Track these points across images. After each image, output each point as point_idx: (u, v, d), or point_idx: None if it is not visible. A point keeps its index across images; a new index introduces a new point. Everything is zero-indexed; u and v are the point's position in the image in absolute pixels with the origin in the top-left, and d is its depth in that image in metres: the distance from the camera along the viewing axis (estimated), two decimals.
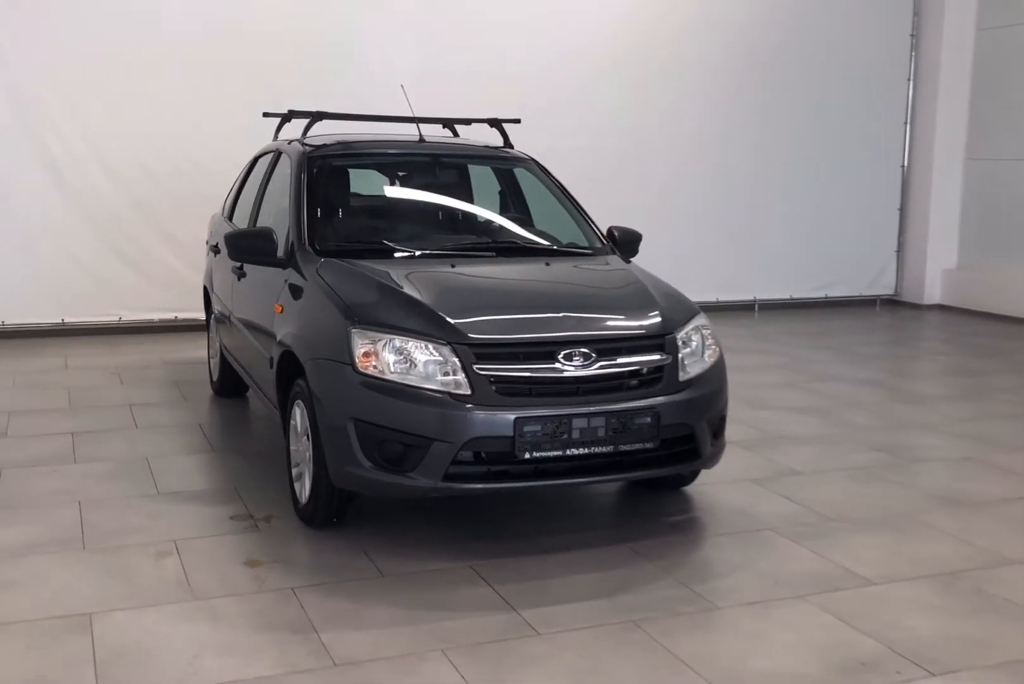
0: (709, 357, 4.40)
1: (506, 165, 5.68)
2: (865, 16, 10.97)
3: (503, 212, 5.58)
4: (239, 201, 6.32)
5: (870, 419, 6.43)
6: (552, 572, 3.97)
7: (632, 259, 5.34)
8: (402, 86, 5.71)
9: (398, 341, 3.94)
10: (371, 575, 3.93)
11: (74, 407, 6.38)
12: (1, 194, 8.30)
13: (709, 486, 5.00)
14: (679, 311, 4.44)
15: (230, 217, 6.36)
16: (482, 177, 5.69)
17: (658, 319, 4.28)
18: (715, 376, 4.36)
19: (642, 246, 10.86)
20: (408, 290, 4.25)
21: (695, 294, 10.65)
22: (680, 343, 4.24)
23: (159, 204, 8.61)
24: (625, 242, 5.29)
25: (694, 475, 4.83)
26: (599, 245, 5.23)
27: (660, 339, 4.20)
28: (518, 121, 5.93)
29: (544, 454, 3.89)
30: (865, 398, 7.03)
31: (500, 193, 5.67)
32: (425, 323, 4.01)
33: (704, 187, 10.57)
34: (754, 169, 10.75)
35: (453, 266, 4.60)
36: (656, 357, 4.14)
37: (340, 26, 9.01)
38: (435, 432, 3.82)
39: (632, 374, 4.11)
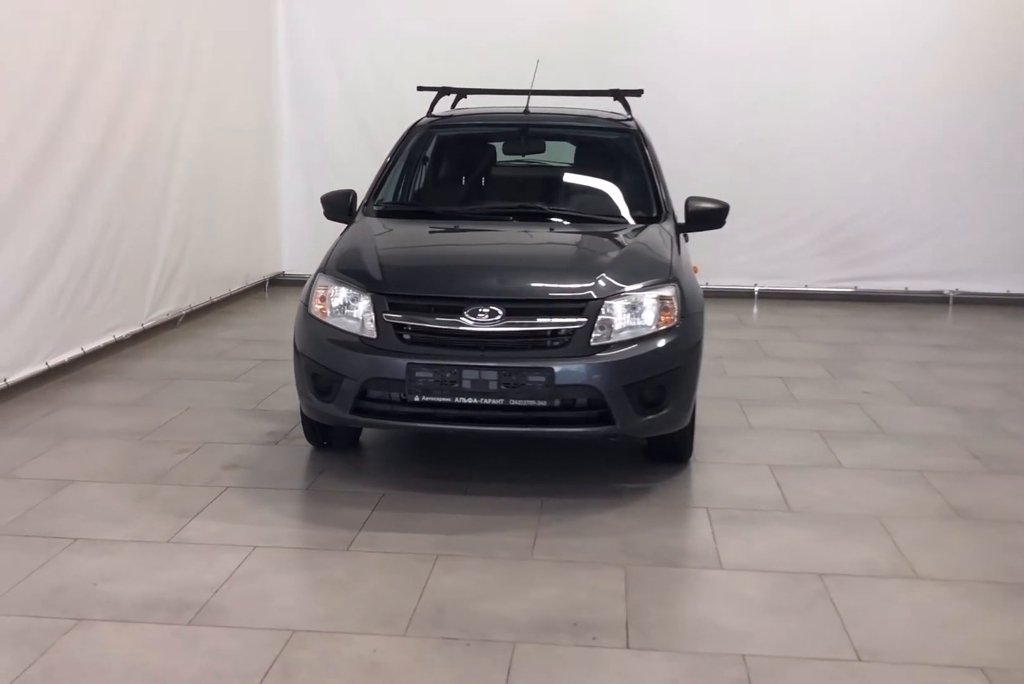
0: (660, 326, 4.37)
1: (601, 135, 5.85)
2: None
3: (574, 180, 5.74)
4: None
5: None
6: (441, 509, 4.31)
7: (714, 230, 5.30)
8: (537, 61, 6.11)
9: (338, 288, 4.50)
10: (301, 487, 4.57)
11: None
12: (336, 165, 9.84)
13: (717, 465, 4.92)
14: (633, 279, 4.43)
15: None
16: (571, 147, 5.91)
17: (587, 285, 4.35)
18: (651, 345, 4.32)
19: (923, 233, 9.77)
20: (380, 246, 4.76)
21: (980, 284, 9.29)
22: (609, 309, 4.29)
23: None
24: (698, 214, 5.22)
25: (681, 448, 4.80)
26: (653, 215, 5.25)
27: (582, 303, 4.29)
28: (639, 93, 6.02)
29: (434, 399, 4.24)
30: None
31: (582, 162, 5.84)
32: (365, 274, 4.51)
33: (997, 173, 9.38)
34: None
35: (455, 228, 5.01)
36: (569, 320, 4.26)
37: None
38: (344, 370, 4.35)
39: (547, 334, 4.27)
